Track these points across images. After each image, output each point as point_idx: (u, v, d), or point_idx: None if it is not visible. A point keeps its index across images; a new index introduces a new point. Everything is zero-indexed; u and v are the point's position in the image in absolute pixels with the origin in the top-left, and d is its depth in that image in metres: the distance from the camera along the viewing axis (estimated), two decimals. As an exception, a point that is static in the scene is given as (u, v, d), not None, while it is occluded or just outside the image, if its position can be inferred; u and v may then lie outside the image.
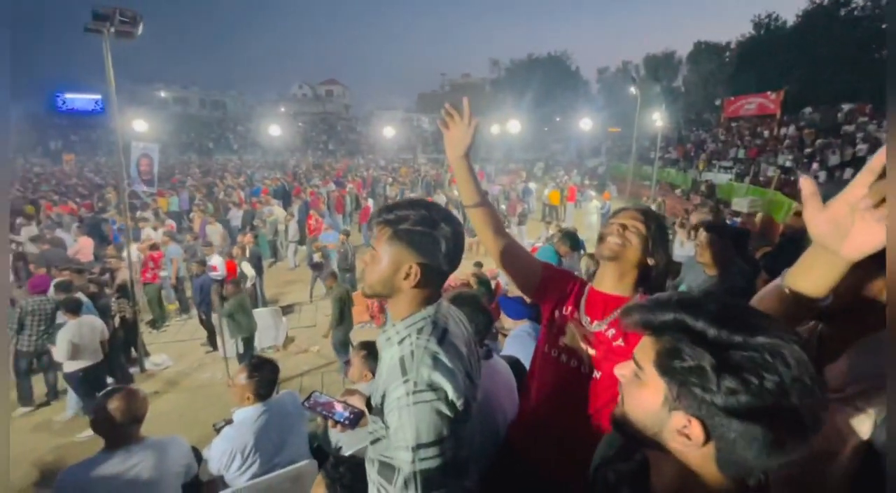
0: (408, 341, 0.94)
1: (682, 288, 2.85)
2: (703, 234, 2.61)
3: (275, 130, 31.98)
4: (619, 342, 1.25)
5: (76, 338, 4.20)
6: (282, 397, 2.16)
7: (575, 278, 1.46)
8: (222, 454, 1.96)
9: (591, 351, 1.27)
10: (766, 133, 18.57)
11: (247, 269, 7.19)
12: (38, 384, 4.86)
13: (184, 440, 2.00)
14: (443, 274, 0.99)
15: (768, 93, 19.80)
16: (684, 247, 5.70)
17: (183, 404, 4.95)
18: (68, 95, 31.54)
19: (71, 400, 4.58)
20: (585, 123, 23.81)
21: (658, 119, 16.50)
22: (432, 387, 0.88)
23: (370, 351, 2.48)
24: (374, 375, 2.31)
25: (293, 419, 2.12)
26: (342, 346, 5.34)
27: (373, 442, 0.99)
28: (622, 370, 0.68)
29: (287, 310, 7.39)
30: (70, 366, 4.25)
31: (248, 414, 2.04)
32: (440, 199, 13.06)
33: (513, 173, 21.35)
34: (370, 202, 13.84)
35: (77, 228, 9.43)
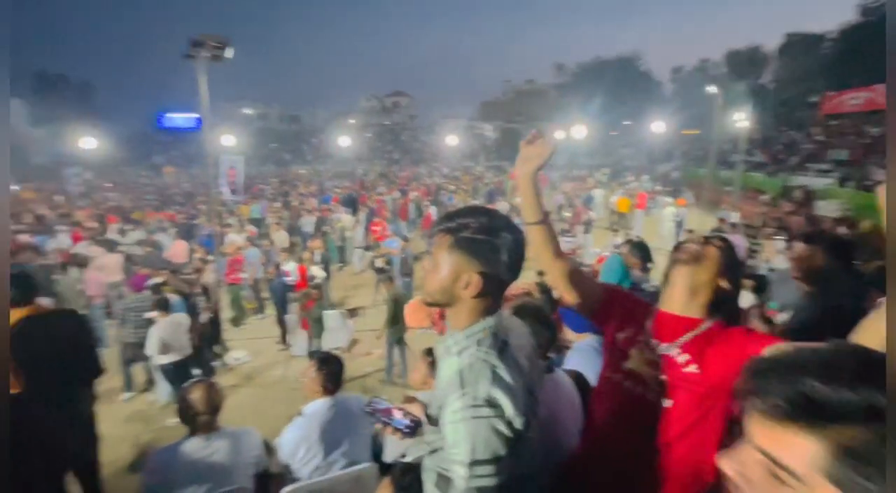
0: (467, 353, 0.92)
1: (773, 306, 2.57)
2: (799, 245, 2.34)
3: (344, 141, 33.63)
4: (693, 369, 1.15)
5: (165, 334, 4.65)
6: (349, 397, 2.26)
7: (639, 299, 1.39)
8: (289, 443, 2.09)
9: (661, 377, 1.18)
10: (874, 131, 16.44)
11: (316, 272, 7.58)
12: (140, 373, 5.44)
13: (256, 433, 2.14)
14: (503, 284, 0.97)
15: (877, 86, 17.52)
16: (772, 260, 5.18)
17: (257, 398, 5.30)
18: (170, 115, 35.61)
19: (163, 389, 5.08)
20: (657, 126, 22.57)
21: (741, 119, 15.22)
22: (490, 403, 0.85)
23: (435, 358, 2.51)
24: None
25: (357, 421, 2.19)
26: (394, 347, 5.52)
27: (431, 453, 0.98)
28: (732, 465, 0.49)
29: (351, 313, 7.69)
30: (161, 359, 4.71)
31: (316, 407, 2.16)
32: (502, 207, 12.98)
33: (577, 180, 20.71)
34: (432, 210, 14.08)
35: (174, 232, 10.51)
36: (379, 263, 8.16)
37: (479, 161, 37.19)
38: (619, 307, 1.34)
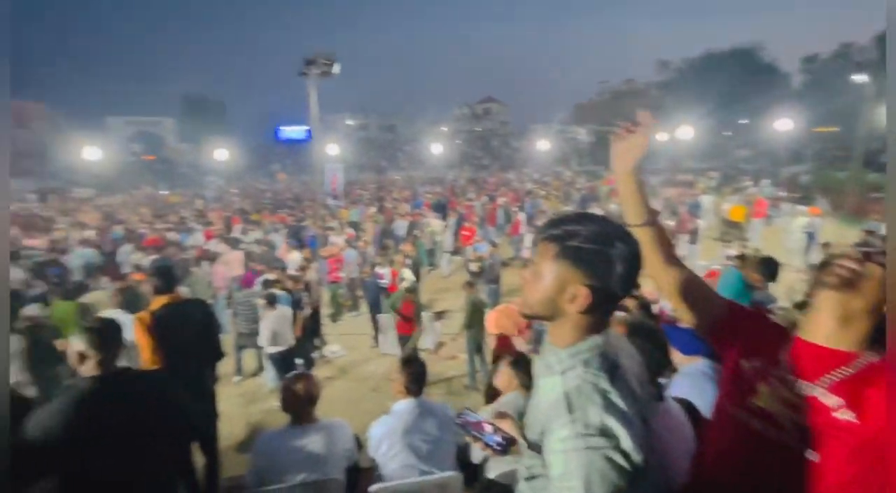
0: (573, 374, 0.84)
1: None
2: None
3: (436, 149, 34.69)
4: (847, 415, 0.93)
5: (274, 326, 5.13)
6: (435, 403, 2.29)
7: (771, 322, 1.17)
8: (374, 437, 2.17)
9: (803, 422, 0.97)
10: None
11: (407, 274, 7.86)
12: (250, 359, 6.07)
13: (348, 427, 2.24)
14: (615, 299, 0.88)
15: None
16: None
17: (350, 392, 5.61)
18: (285, 128, 39.79)
19: (270, 375, 5.60)
20: (783, 124, 19.88)
21: (897, 113, 12.75)
22: (603, 432, 0.77)
23: (518, 360, 2.46)
24: (524, 387, 2.28)
25: (442, 426, 2.20)
26: (473, 351, 5.53)
27: (528, 479, 0.92)
28: None
29: (438, 316, 7.83)
30: (270, 349, 5.21)
31: (400, 407, 2.22)
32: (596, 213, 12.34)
33: (682, 185, 18.95)
34: (521, 216, 13.86)
35: (285, 233, 11.64)
36: (473, 267, 8.22)
37: (571, 166, 35.94)
38: (745, 329, 1.13)
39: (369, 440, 2.21)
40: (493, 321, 4.33)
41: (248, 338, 5.79)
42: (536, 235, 0.92)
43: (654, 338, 1.41)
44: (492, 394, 2.60)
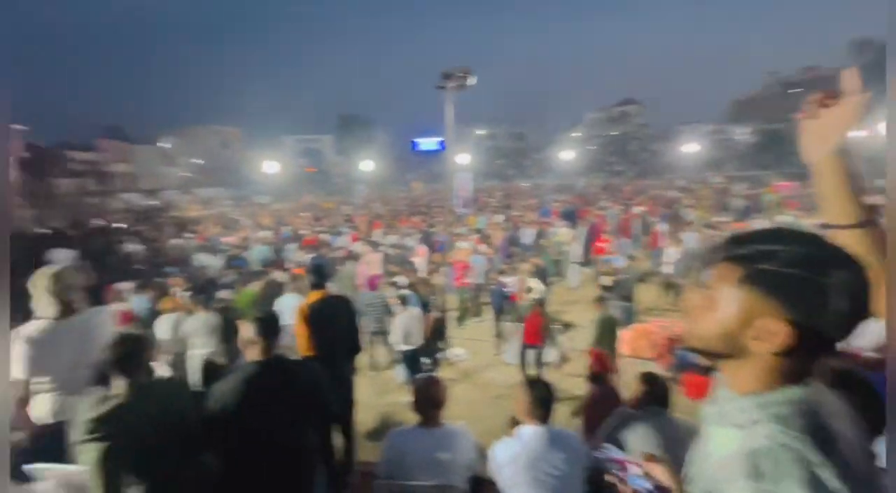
0: (761, 431, 0.67)
1: None
2: None
3: (566, 155, 33.59)
4: None
5: (406, 325, 5.46)
6: (565, 432, 2.16)
7: None
8: (497, 459, 2.11)
9: None
10: None
11: (533, 283, 7.71)
12: (380, 354, 6.57)
13: (471, 436, 2.24)
14: (826, 342, 0.68)
15: None
16: None
17: (471, 396, 5.69)
18: (421, 140, 42.62)
19: (400, 371, 5.98)
20: None
21: None
22: None
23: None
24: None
25: (571, 462, 2.07)
26: None
27: None
28: None
29: (564, 329, 7.50)
30: (402, 346, 5.57)
31: (526, 433, 2.12)
32: (758, 226, 10.55)
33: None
34: (662, 227, 12.56)
35: (417, 238, 12.43)
36: (605, 280, 7.73)
37: (726, 170, 31.42)
38: None
39: (491, 460, 2.16)
40: (628, 342, 3.98)
41: (375, 336, 6.27)
42: (711, 254, 0.76)
43: (867, 390, 1.09)
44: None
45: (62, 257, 8.31)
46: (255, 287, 6.97)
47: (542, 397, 2.14)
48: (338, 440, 3.06)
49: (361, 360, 6.09)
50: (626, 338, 5.47)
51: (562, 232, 11.59)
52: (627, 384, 4.89)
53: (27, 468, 2.57)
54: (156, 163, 39.11)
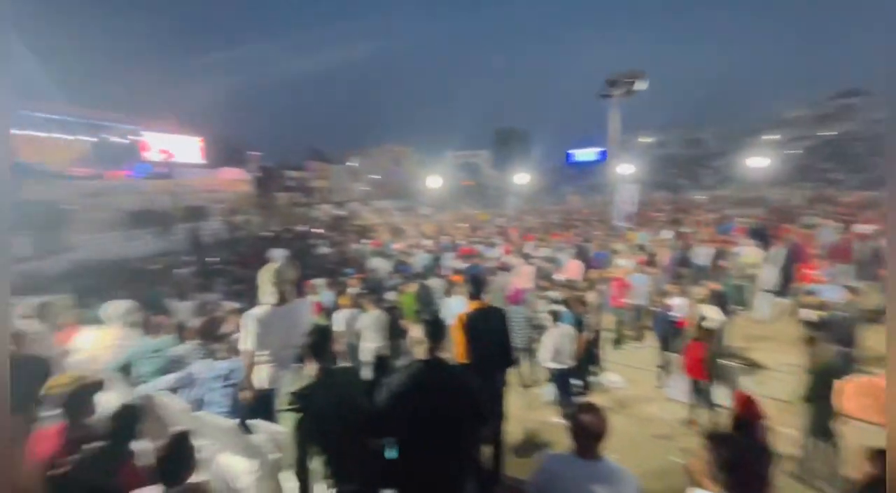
0: None
1: None
2: None
3: (755, 162, 28.48)
4: None
5: (557, 342, 5.28)
6: None
7: None
8: None
9: None
10: None
11: (709, 311, 6.68)
12: (526, 370, 6.47)
13: (636, 482, 2.00)
14: None
15: None
16: None
17: (627, 430, 5.18)
18: (577, 151, 40.94)
19: (549, 389, 5.81)
20: None
21: None
22: None
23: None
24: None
25: None
26: (816, 433, 4.06)
27: None
28: None
29: (747, 369, 6.31)
30: (550, 364, 5.40)
31: None
32: None
33: None
34: (905, 252, 9.58)
35: (571, 252, 11.97)
36: (811, 315, 6.29)
37: None
38: None
39: None
40: (851, 398, 3.10)
41: (519, 352, 6.20)
42: None
43: None
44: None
45: (279, 255, 10.43)
46: (412, 290, 7.63)
47: (730, 461, 1.75)
48: (486, 449, 3.12)
49: (512, 374, 6.12)
50: (849, 393, 4.29)
51: (749, 253, 9.79)
52: (781, 436, 3.86)
53: (248, 421, 3.28)
54: (345, 179, 46.14)
